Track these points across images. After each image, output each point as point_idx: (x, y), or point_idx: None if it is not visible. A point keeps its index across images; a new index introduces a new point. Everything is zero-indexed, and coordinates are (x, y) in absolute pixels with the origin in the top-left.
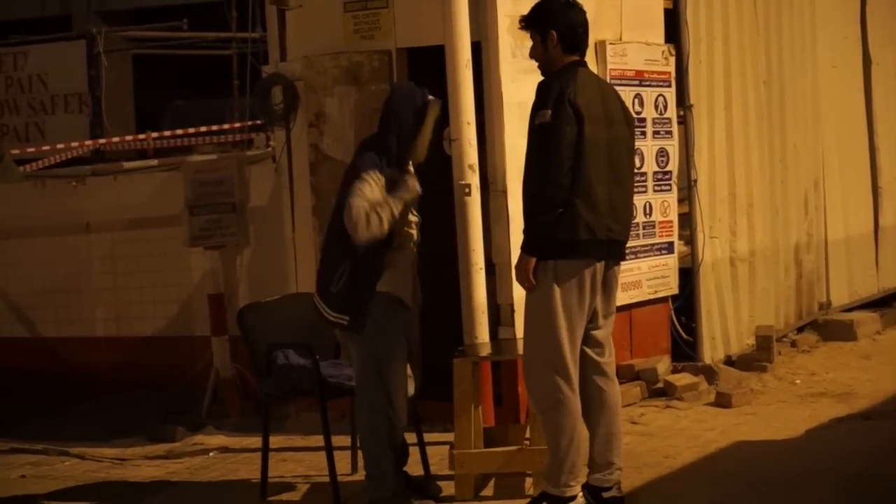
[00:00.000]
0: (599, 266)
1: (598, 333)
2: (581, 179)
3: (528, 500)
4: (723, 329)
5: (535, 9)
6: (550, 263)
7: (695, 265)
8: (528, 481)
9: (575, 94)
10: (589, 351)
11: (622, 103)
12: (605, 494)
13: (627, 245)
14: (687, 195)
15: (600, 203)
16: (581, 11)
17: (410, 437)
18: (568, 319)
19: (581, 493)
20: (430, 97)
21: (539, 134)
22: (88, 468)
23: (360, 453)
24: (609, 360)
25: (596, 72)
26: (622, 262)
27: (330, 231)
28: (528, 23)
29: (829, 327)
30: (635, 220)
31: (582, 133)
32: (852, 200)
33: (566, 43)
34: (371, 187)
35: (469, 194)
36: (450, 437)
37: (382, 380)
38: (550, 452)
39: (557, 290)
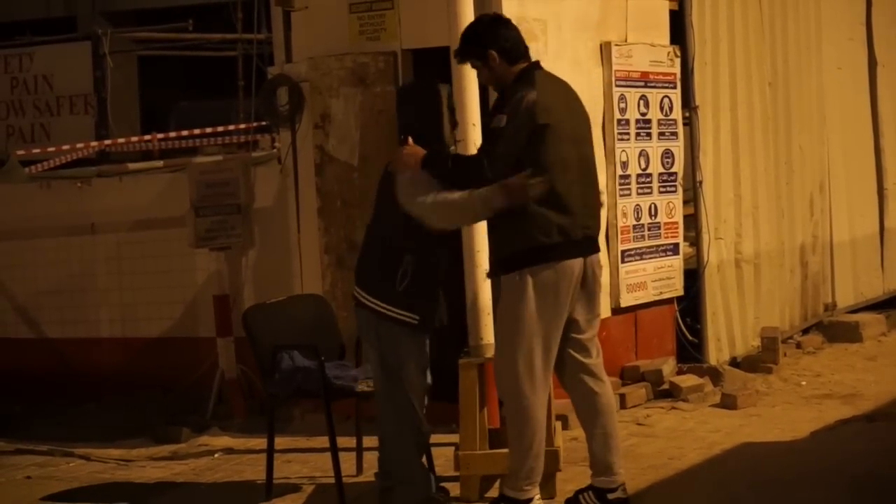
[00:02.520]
0: (577, 265)
1: (582, 337)
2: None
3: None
4: (728, 330)
5: (464, 40)
6: (526, 270)
7: (700, 266)
8: None
9: (534, 102)
10: (576, 355)
11: (580, 100)
12: (611, 496)
13: (633, 246)
14: (692, 196)
15: (575, 205)
16: (507, 23)
17: None
18: (542, 328)
19: (538, 496)
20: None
21: (490, 136)
22: (93, 469)
23: (365, 455)
24: (597, 362)
25: (601, 73)
26: (618, 267)
27: (380, 230)
28: (464, 55)
29: (834, 329)
30: (641, 222)
31: (544, 137)
32: (858, 202)
33: (508, 56)
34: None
35: None
36: (455, 438)
37: (401, 385)
38: (511, 455)
39: (532, 299)
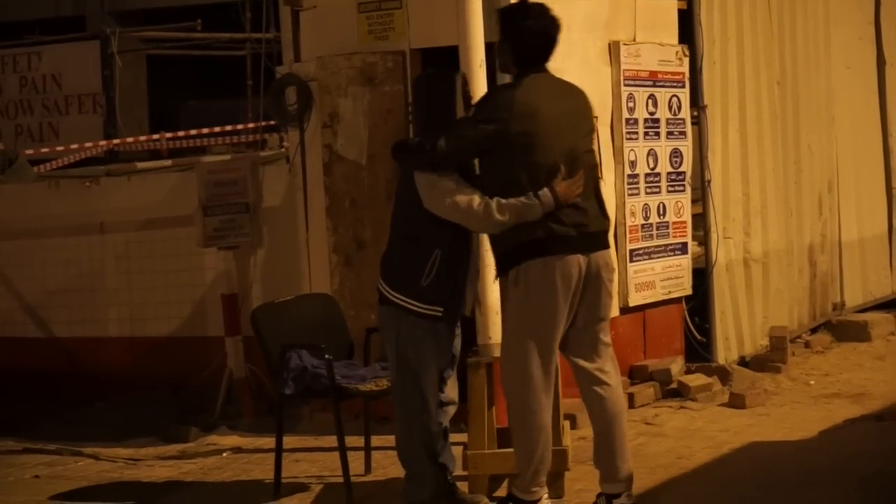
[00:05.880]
0: (572, 262)
1: (585, 340)
2: (526, 186)
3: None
4: (736, 330)
5: (500, 14)
6: (520, 268)
7: (708, 266)
8: None
9: (512, 98)
10: (580, 359)
11: (585, 106)
12: (615, 501)
13: (641, 245)
14: (701, 196)
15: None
16: (539, 14)
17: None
18: (537, 327)
19: (546, 496)
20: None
21: (459, 121)
22: (102, 468)
23: (373, 454)
24: (603, 365)
25: (610, 72)
26: (624, 268)
27: (406, 225)
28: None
29: (842, 328)
30: (649, 221)
31: (522, 142)
32: (866, 201)
33: (520, 60)
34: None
35: None
36: (464, 437)
37: (417, 384)
38: (516, 456)
39: (525, 298)
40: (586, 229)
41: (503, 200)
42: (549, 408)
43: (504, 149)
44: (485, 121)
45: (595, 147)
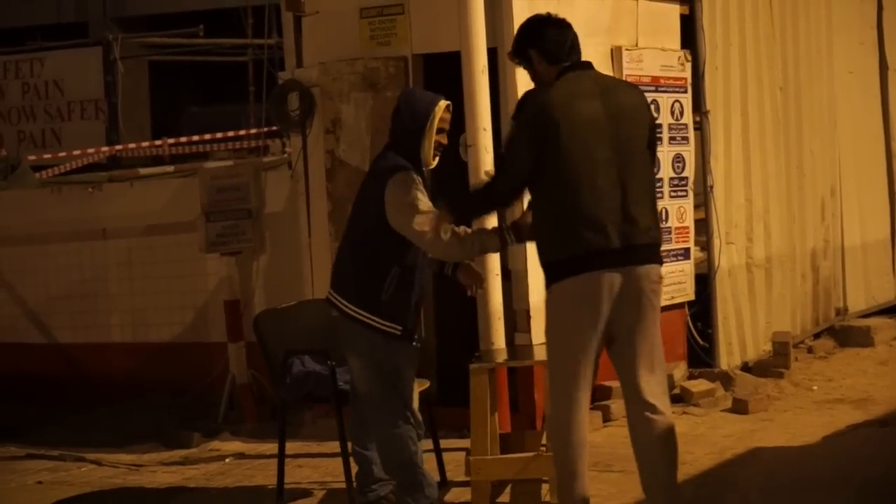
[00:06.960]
0: (603, 278)
1: (626, 358)
2: (562, 196)
3: None
4: (739, 335)
5: (514, 39)
6: (553, 288)
7: (711, 271)
8: (545, 488)
9: (542, 102)
10: (624, 376)
11: (636, 101)
12: None
13: None
14: (703, 201)
15: (600, 211)
16: (556, 23)
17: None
18: (565, 344)
19: None
20: (441, 100)
21: (502, 150)
22: (104, 474)
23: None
24: (646, 386)
25: None
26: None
27: (365, 236)
28: (514, 54)
29: (845, 333)
30: None
31: (555, 147)
32: (869, 206)
33: (549, 57)
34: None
35: None
36: (466, 443)
37: (398, 392)
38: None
39: (553, 313)
40: (631, 241)
41: (468, 231)
42: (574, 425)
43: (545, 159)
44: (517, 143)
45: (653, 146)
